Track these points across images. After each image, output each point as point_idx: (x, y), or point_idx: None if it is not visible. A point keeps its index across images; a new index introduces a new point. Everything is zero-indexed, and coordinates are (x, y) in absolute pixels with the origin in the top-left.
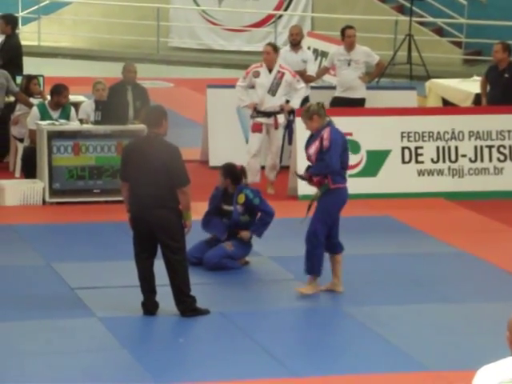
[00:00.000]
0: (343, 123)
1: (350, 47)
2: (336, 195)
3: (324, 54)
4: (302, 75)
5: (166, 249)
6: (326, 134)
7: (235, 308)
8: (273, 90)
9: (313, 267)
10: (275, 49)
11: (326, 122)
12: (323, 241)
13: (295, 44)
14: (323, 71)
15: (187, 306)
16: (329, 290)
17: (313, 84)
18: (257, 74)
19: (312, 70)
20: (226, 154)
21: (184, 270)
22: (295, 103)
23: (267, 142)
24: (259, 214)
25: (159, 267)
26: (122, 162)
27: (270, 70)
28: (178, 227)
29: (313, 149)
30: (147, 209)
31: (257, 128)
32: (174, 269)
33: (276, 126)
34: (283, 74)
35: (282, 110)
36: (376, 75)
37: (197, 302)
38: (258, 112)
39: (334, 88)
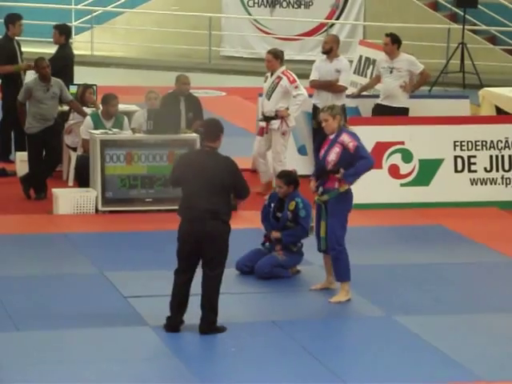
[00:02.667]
0: (395, 132)
1: (389, 55)
2: (349, 197)
3: (376, 63)
4: (333, 85)
5: (208, 262)
6: (346, 138)
7: (286, 317)
8: (268, 95)
9: (343, 274)
10: (276, 55)
11: (342, 127)
12: (344, 245)
13: (324, 52)
14: (375, 80)
15: (209, 323)
16: (324, 288)
17: (365, 93)
18: (265, 79)
19: (344, 80)
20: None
21: (219, 285)
22: (291, 109)
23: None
24: (299, 225)
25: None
26: (175, 172)
27: (272, 75)
28: (226, 242)
29: (333, 155)
30: (200, 221)
31: (259, 132)
32: (210, 283)
33: (266, 131)
34: (281, 78)
35: (276, 116)
36: (420, 85)
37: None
38: (262, 115)
39: (377, 96)
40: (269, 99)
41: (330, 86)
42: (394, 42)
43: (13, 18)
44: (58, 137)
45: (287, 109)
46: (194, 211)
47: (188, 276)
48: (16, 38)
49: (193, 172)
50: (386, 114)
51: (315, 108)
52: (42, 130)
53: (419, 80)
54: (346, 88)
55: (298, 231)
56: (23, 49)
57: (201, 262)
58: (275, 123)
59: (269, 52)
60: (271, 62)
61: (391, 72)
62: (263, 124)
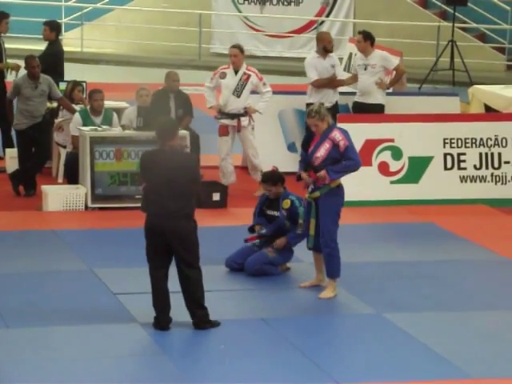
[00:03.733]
0: (385, 129)
1: (363, 52)
2: (340, 193)
3: (352, 61)
4: (333, 80)
5: (180, 261)
6: (338, 135)
7: (276, 314)
8: (238, 92)
9: (335, 270)
10: (242, 51)
11: (331, 124)
12: (337, 242)
13: (331, 51)
14: (353, 78)
15: (201, 318)
16: (314, 286)
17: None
18: (223, 76)
19: (341, 74)
20: (267, 159)
21: (199, 282)
22: (260, 106)
23: (240, 145)
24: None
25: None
26: (141, 173)
27: (237, 72)
28: (194, 239)
29: (322, 151)
30: (165, 219)
31: (223, 131)
32: (188, 281)
33: (239, 129)
34: (249, 75)
35: (246, 113)
36: (395, 81)
37: (209, 314)
38: (222, 113)
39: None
40: (238, 96)
41: (332, 82)
42: (366, 39)
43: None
44: (46, 133)
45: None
46: (157, 210)
47: (162, 272)
48: (3, 35)
49: (155, 171)
50: (363, 111)
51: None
52: (31, 127)
53: (394, 76)
54: (344, 82)
55: (304, 231)
56: (14, 46)
57: (174, 262)
58: (245, 120)
59: (236, 47)
60: (238, 57)
61: (365, 69)
62: (231, 122)
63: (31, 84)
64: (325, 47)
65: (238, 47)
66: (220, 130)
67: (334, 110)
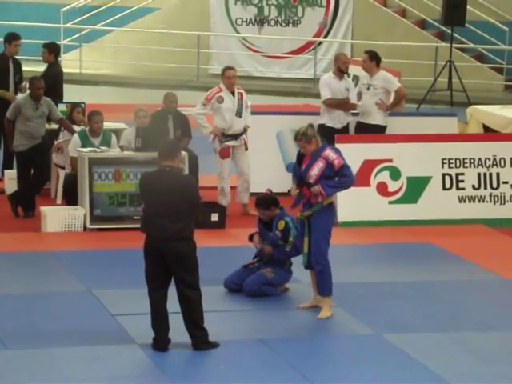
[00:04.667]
0: (384, 149)
1: (368, 72)
2: (332, 211)
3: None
4: (346, 103)
5: (180, 282)
6: (331, 154)
7: (274, 335)
8: (239, 112)
9: (327, 288)
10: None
11: (322, 143)
12: (328, 259)
13: (346, 72)
14: (358, 96)
15: (200, 339)
16: (313, 306)
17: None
18: (221, 100)
19: (354, 98)
20: (265, 179)
21: (198, 303)
22: (249, 121)
23: (236, 166)
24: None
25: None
26: (140, 194)
27: (233, 93)
28: (193, 260)
29: (315, 170)
30: (164, 241)
31: (226, 153)
32: (188, 302)
33: (246, 147)
34: (242, 94)
35: (244, 131)
36: (395, 103)
37: (208, 334)
38: (226, 136)
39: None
40: (240, 116)
41: (345, 104)
42: (372, 59)
43: (10, 38)
44: (45, 155)
45: None
46: (156, 231)
47: (161, 293)
48: (16, 57)
49: (154, 192)
50: (364, 131)
51: (323, 128)
52: (30, 148)
53: (395, 98)
54: (356, 106)
55: (291, 251)
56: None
57: (174, 283)
58: (246, 138)
59: (232, 68)
60: (236, 78)
61: (368, 89)
62: (236, 143)
63: (32, 105)
64: (339, 68)
65: (234, 69)
66: (222, 152)
67: (346, 131)
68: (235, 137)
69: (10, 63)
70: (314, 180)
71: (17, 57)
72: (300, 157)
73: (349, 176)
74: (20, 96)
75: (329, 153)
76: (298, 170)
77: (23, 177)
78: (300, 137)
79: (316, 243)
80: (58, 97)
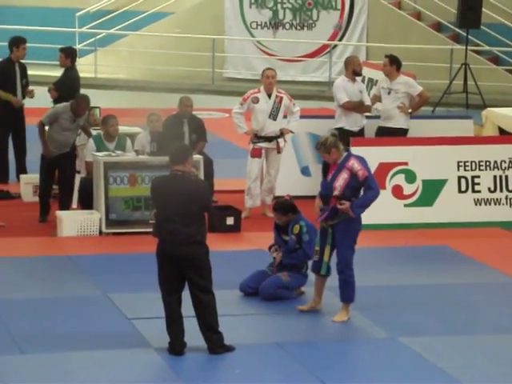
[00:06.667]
0: (399, 153)
1: (388, 76)
2: (357, 219)
3: (378, 82)
4: (362, 105)
5: (194, 286)
6: (355, 164)
7: (290, 338)
8: (274, 115)
9: (350, 296)
10: (275, 74)
11: (346, 153)
12: (353, 268)
13: (361, 74)
14: (373, 99)
15: (215, 343)
16: (312, 309)
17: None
18: (256, 100)
19: (368, 100)
20: (281, 183)
21: (213, 307)
22: (293, 126)
23: (265, 166)
24: (301, 249)
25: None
26: (152, 199)
27: (269, 95)
28: (206, 264)
29: (340, 181)
30: (177, 246)
31: (256, 153)
32: (202, 306)
33: (279, 150)
34: (281, 98)
35: (281, 134)
36: (418, 106)
37: (224, 338)
38: (259, 137)
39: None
40: (275, 119)
41: (361, 107)
42: (392, 64)
43: (17, 42)
44: (72, 163)
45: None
46: (169, 236)
47: (175, 298)
48: (22, 61)
49: (166, 197)
50: (386, 135)
51: (342, 131)
52: (58, 156)
53: (418, 101)
54: (371, 108)
55: (299, 255)
56: (30, 72)
57: (188, 287)
58: (282, 141)
59: (271, 69)
60: (275, 78)
61: (389, 93)
62: (269, 145)
63: (71, 117)
64: (354, 70)
65: (274, 70)
66: (253, 151)
67: (361, 134)
68: (268, 139)
69: (17, 67)
70: (340, 192)
71: (32, 61)
72: (325, 167)
73: (374, 189)
74: (27, 101)
75: (353, 163)
76: (324, 183)
77: (46, 180)
78: (319, 146)
79: (342, 252)
80: None
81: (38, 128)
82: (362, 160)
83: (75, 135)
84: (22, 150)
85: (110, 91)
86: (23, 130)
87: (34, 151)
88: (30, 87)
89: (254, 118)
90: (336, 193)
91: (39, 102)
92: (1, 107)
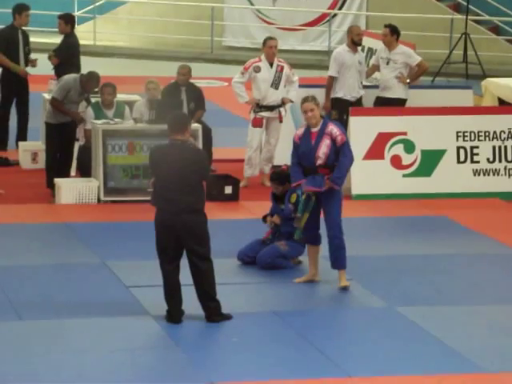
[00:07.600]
0: (398, 122)
1: (387, 46)
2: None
3: (376, 52)
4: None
5: (192, 254)
6: (334, 129)
7: (288, 307)
8: (276, 84)
9: (344, 261)
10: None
11: (324, 117)
12: None
13: (360, 44)
14: (372, 69)
15: (213, 311)
16: (309, 281)
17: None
18: (258, 69)
19: (364, 73)
20: (279, 151)
21: (211, 275)
22: (292, 95)
23: (265, 135)
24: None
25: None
26: (150, 168)
27: (271, 64)
28: (205, 232)
29: (324, 148)
30: (176, 214)
31: (258, 123)
32: (200, 274)
33: (280, 119)
34: (282, 67)
35: (283, 103)
36: (417, 76)
37: (221, 307)
38: (260, 107)
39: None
40: (277, 88)
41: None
42: (392, 33)
43: (20, 8)
44: (72, 132)
45: None
46: (167, 205)
47: (173, 266)
48: (23, 28)
49: (165, 166)
50: (384, 105)
51: (338, 101)
52: (58, 125)
53: (416, 72)
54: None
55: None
56: (30, 39)
57: (186, 255)
58: (283, 111)
59: (273, 38)
60: (277, 48)
61: (388, 63)
62: (271, 114)
63: (79, 91)
64: (352, 40)
65: (276, 39)
66: (254, 121)
67: (359, 104)
68: (270, 108)
69: (20, 34)
70: (323, 161)
71: (31, 28)
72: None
73: (347, 156)
74: (29, 69)
75: (331, 128)
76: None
77: (52, 147)
78: (311, 99)
79: (332, 217)
80: (75, 68)
81: (55, 106)
82: (340, 126)
83: (78, 106)
84: (25, 117)
85: (108, 59)
86: (27, 98)
87: (35, 120)
88: (33, 55)
89: (255, 87)
90: (320, 162)
91: (40, 69)
92: (5, 75)
